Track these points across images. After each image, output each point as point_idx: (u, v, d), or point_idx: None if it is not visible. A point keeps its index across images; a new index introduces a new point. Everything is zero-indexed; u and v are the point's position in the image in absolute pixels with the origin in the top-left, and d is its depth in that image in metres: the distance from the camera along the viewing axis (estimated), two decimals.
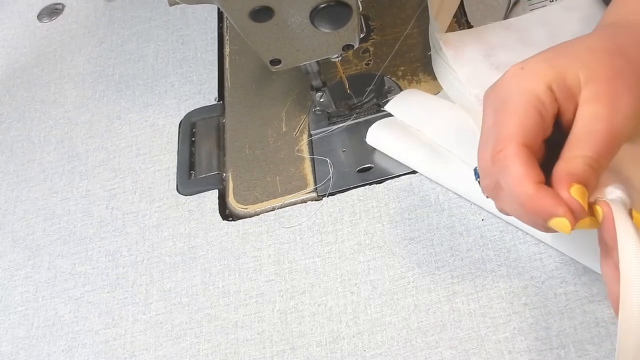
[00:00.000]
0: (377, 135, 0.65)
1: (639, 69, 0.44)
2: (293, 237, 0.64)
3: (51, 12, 0.93)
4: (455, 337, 0.54)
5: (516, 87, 0.44)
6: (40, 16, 0.93)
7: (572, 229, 0.41)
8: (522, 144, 0.42)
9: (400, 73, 0.71)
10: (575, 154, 0.42)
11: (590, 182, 0.42)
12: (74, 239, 0.70)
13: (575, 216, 0.41)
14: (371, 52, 0.74)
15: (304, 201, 0.66)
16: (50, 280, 0.68)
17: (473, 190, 0.57)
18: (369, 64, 0.73)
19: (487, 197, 0.47)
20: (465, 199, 0.61)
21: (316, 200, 0.66)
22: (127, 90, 0.81)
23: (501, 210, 0.48)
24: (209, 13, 0.86)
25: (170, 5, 0.62)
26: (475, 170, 0.49)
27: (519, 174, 0.41)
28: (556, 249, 0.56)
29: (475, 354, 0.53)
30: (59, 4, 0.94)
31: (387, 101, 0.67)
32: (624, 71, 0.44)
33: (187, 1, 0.61)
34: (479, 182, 0.48)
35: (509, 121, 0.43)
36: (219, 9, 0.83)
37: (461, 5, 0.73)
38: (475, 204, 0.60)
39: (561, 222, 0.41)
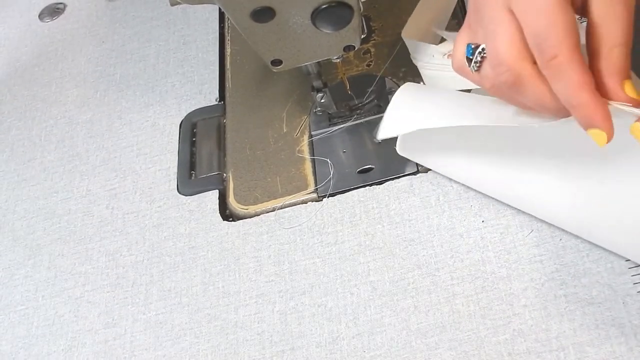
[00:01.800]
0: (409, 147, 0.63)
1: None
2: (293, 237, 0.64)
3: (52, 12, 0.93)
4: (455, 339, 0.54)
5: None
6: (41, 15, 0.93)
7: (608, 142, 0.42)
8: (574, 47, 0.41)
9: (401, 74, 0.71)
10: (610, 45, 0.42)
11: (629, 69, 0.42)
12: (74, 238, 0.70)
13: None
14: (372, 53, 0.74)
15: (304, 202, 0.66)
16: (50, 279, 0.68)
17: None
18: (370, 64, 0.73)
19: (490, 91, 0.47)
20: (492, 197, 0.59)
21: (316, 201, 0.66)
22: (128, 90, 0.81)
23: (511, 101, 0.47)
24: (210, 13, 0.86)
25: (172, 5, 0.62)
26: (468, 46, 0.47)
27: (578, 80, 0.41)
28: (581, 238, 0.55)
29: (474, 355, 0.53)
30: (61, 3, 0.94)
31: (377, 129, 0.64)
32: None
33: (189, 1, 0.61)
34: (469, 59, 0.47)
35: (554, 23, 0.41)
36: (220, 9, 0.83)
37: (462, 5, 0.73)
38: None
39: (600, 135, 0.42)
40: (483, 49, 0.46)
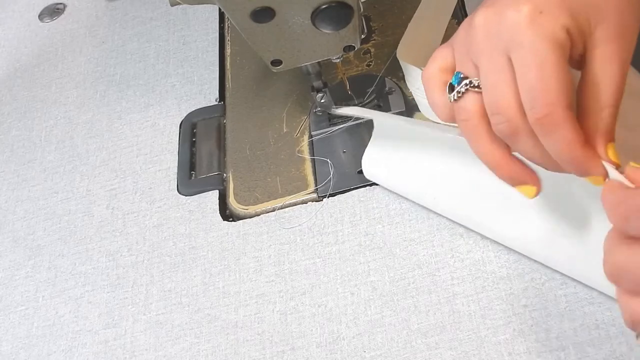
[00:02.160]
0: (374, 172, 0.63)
1: None
2: (293, 237, 0.64)
3: (52, 12, 0.93)
4: (455, 339, 0.54)
5: (544, 37, 0.41)
6: (41, 16, 0.93)
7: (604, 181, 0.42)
8: (568, 107, 0.41)
9: (401, 74, 0.71)
10: (602, 105, 0.42)
11: (614, 131, 0.43)
12: (75, 238, 0.70)
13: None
14: (372, 53, 0.74)
15: (304, 202, 0.66)
16: (50, 280, 0.68)
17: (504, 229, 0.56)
18: (370, 65, 0.73)
19: (458, 119, 0.47)
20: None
21: (317, 201, 0.66)
22: (128, 90, 0.81)
23: (511, 147, 0.47)
24: (210, 13, 0.86)
25: (172, 5, 0.62)
26: (457, 74, 0.46)
27: (570, 139, 0.41)
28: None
29: (475, 355, 0.53)
30: (60, 3, 0.94)
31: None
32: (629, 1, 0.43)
33: (189, 1, 0.61)
34: (452, 86, 0.46)
35: (549, 81, 0.41)
36: (220, 9, 0.83)
37: (462, 5, 0.73)
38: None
39: (596, 179, 0.42)
40: (471, 82, 0.45)
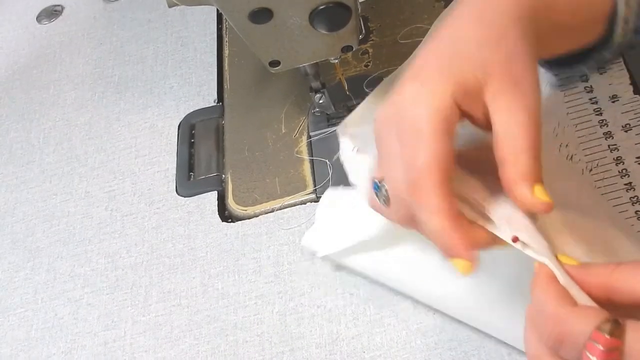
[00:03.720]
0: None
1: (521, 32, 0.43)
2: (292, 238, 0.64)
3: (50, 14, 0.93)
4: (455, 339, 0.54)
5: (421, 108, 0.42)
6: (39, 18, 0.93)
7: (472, 272, 0.41)
8: (438, 174, 0.41)
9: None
10: (516, 152, 0.41)
11: (540, 173, 0.41)
12: (74, 240, 0.70)
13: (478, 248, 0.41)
14: (370, 54, 0.74)
15: (303, 203, 0.66)
16: (49, 282, 0.68)
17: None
18: (368, 65, 0.73)
19: (399, 223, 0.46)
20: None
21: (315, 201, 0.66)
22: (126, 91, 0.81)
23: (419, 230, 0.46)
24: (208, 14, 0.86)
25: (169, 6, 0.62)
26: (375, 183, 0.46)
27: (435, 206, 0.41)
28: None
29: (474, 355, 0.53)
30: (58, 5, 0.94)
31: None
32: (514, 48, 0.43)
33: (186, 2, 0.61)
34: (376, 194, 0.46)
35: (423, 151, 0.41)
36: (218, 10, 0.83)
37: None
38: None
39: (463, 264, 0.41)
40: (383, 186, 0.45)
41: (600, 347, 0.35)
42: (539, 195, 0.40)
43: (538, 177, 0.41)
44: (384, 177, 0.45)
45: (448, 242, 0.41)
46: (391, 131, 0.43)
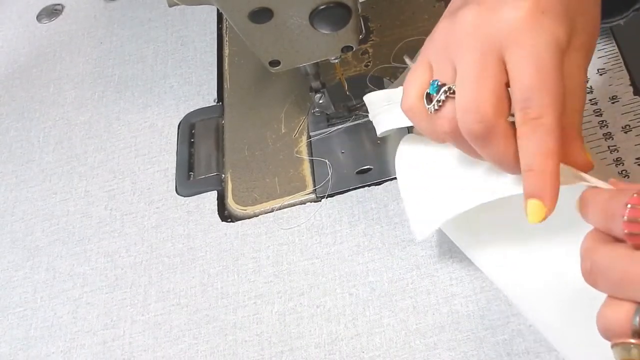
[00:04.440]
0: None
1: None
2: (292, 238, 0.64)
3: (50, 13, 0.93)
4: (454, 339, 0.54)
5: (542, 36, 0.40)
6: (39, 17, 0.93)
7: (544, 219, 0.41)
8: (561, 115, 0.41)
9: (399, 75, 0.71)
10: (572, 109, 0.42)
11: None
12: (73, 239, 0.70)
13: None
14: (370, 54, 0.74)
15: (302, 202, 0.66)
16: (48, 281, 0.68)
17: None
18: (368, 65, 0.73)
19: (441, 131, 0.45)
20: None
21: (315, 201, 0.66)
22: (126, 91, 0.81)
23: (466, 150, 0.46)
24: (209, 14, 0.86)
25: (170, 6, 0.62)
26: (434, 82, 0.44)
27: (552, 149, 0.41)
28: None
29: (473, 355, 0.53)
30: (59, 4, 0.94)
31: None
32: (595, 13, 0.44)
33: (187, 2, 0.61)
34: (431, 95, 0.44)
35: (551, 82, 0.40)
36: (218, 10, 0.83)
37: None
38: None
39: (539, 208, 0.41)
40: (450, 89, 0.43)
41: (631, 206, 0.35)
42: (588, 156, 0.43)
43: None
44: (446, 83, 0.44)
45: (546, 183, 0.40)
46: (489, 42, 0.42)
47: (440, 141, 0.48)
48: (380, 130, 0.58)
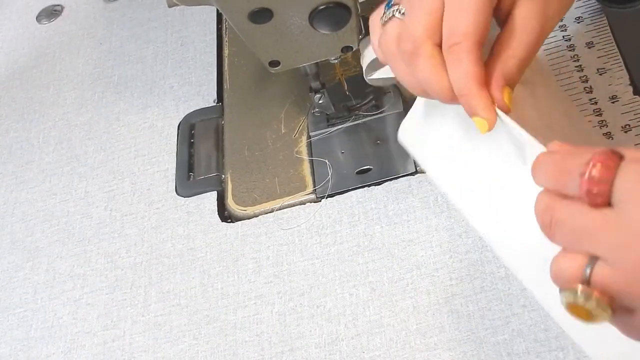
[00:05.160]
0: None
1: None
2: (292, 238, 0.64)
3: (50, 14, 0.93)
4: (454, 339, 0.54)
5: None
6: (39, 17, 0.93)
7: (489, 130, 0.44)
8: (478, 42, 0.44)
9: None
10: (509, 53, 0.45)
11: (517, 81, 0.45)
12: (73, 240, 0.70)
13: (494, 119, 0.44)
14: None
15: (302, 203, 0.66)
16: (49, 281, 0.68)
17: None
18: None
19: (384, 46, 0.48)
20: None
21: (315, 201, 0.66)
22: (126, 91, 0.81)
23: (398, 70, 0.49)
24: (208, 14, 0.86)
25: (169, 6, 0.62)
26: (389, 1, 0.49)
27: (469, 71, 0.43)
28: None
29: (474, 355, 0.53)
30: (58, 5, 0.94)
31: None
32: None
33: (186, 2, 0.61)
34: (385, 13, 0.48)
35: (467, 14, 0.44)
36: (218, 10, 0.83)
37: None
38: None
39: (482, 122, 0.44)
40: (399, 10, 0.47)
41: (600, 157, 0.36)
42: (505, 99, 0.45)
43: (514, 82, 0.45)
44: (399, 4, 0.47)
45: (475, 102, 0.44)
46: None
47: (383, 60, 0.51)
48: (367, 75, 0.60)
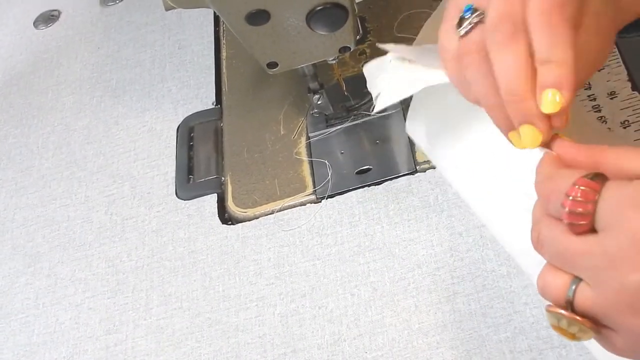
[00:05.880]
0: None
1: None
2: (292, 240, 0.64)
3: (47, 19, 0.93)
4: (457, 338, 0.54)
5: None
6: (36, 23, 0.93)
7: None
8: (573, 27, 0.40)
9: None
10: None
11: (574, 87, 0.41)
12: (74, 245, 0.70)
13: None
14: (368, 54, 0.74)
15: (303, 204, 0.66)
16: (50, 287, 0.68)
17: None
18: None
19: (465, 53, 0.44)
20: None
21: (315, 202, 0.66)
22: (124, 95, 0.81)
23: (463, 84, 0.45)
24: (205, 17, 0.86)
25: (167, 10, 0.62)
26: (469, 6, 0.44)
27: (568, 40, 0.40)
28: None
29: (476, 354, 0.53)
30: (55, 10, 0.94)
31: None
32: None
33: (183, 5, 0.61)
34: (464, 18, 0.44)
35: (559, 33, 0.39)
36: (215, 13, 0.83)
37: None
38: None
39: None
40: (482, 13, 0.43)
41: (581, 188, 0.36)
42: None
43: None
44: (479, 8, 0.43)
45: (565, 74, 0.39)
46: None
47: (457, 81, 0.46)
48: (378, 106, 0.58)
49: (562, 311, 0.37)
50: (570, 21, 0.40)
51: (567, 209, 0.36)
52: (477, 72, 0.43)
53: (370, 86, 0.57)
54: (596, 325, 0.37)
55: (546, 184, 0.39)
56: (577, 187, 0.36)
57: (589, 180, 0.36)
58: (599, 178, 0.36)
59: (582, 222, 0.36)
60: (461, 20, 0.44)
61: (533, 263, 0.48)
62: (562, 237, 0.37)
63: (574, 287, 0.37)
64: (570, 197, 0.36)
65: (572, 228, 0.36)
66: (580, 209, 0.36)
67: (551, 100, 0.40)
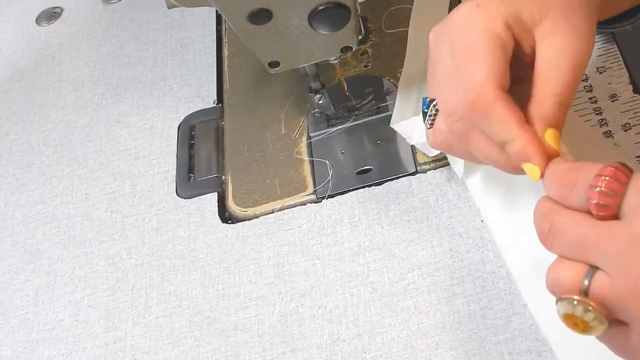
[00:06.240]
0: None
1: None
2: (292, 239, 0.64)
3: (50, 16, 0.93)
4: (456, 339, 0.54)
5: (475, 26, 0.43)
6: (38, 20, 0.93)
7: (541, 177, 0.42)
8: (499, 87, 0.42)
9: (399, 75, 0.71)
10: (545, 92, 0.42)
11: (561, 120, 0.43)
12: (74, 242, 0.70)
13: (548, 162, 0.42)
14: (370, 54, 0.74)
15: (303, 203, 0.66)
16: (50, 284, 0.68)
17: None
18: (368, 65, 0.73)
19: (439, 147, 0.48)
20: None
21: (315, 202, 0.66)
22: (126, 93, 0.81)
23: (463, 156, 0.48)
24: (207, 16, 0.86)
25: (169, 8, 0.62)
26: (424, 100, 0.47)
27: (504, 116, 0.41)
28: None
29: (475, 355, 0.53)
30: (58, 7, 0.94)
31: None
32: None
33: (185, 4, 0.61)
34: (425, 112, 0.47)
35: (479, 65, 0.42)
36: (217, 11, 0.83)
37: None
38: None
39: (534, 169, 0.41)
40: (435, 104, 0.46)
41: (606, 178, 0.36)
42: (547, 139, 0.42)
43: (557, 123, 0.42)
44: (433, 99, 0.46)
45: (524, 146, 0.41)
46: (444, 47, 0.44)
47: (442, 149, 0.50)
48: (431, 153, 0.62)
49: (576, 297, 0.36)
50: (503, 100, 0.42)
51: (599, 189, 0.36)
52: (463, 150, 0.47)
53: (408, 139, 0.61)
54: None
55: (570, 173, 0.39)
56: (610, 168, 0.36)
57: (619, 165, 0.36)
58: (625, 168, 0.37)
59: (611, 205, 0.36)
60: (424, 115, 0.48)
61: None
62: (582, 222, 0.37)
63: (589, 276, 0.36)
64: (604, 177, 0.36)
65: (601, 209, 0.36)
66: (612, 191, 0.36)
67: (531, 169, 0.42)
